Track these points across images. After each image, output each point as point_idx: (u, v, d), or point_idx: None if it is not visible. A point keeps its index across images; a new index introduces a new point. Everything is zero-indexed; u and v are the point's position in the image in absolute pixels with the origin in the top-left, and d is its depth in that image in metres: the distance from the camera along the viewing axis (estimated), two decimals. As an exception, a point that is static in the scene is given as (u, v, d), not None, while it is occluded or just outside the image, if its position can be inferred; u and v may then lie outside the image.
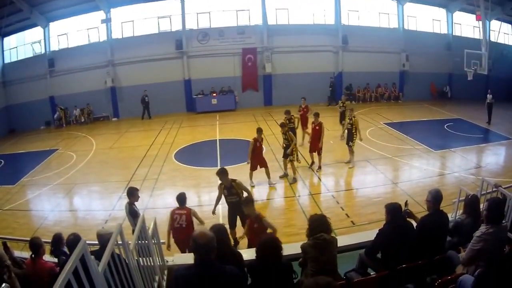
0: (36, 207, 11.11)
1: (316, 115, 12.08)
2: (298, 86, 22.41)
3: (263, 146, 11.44)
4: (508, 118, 18.20)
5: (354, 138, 12.25)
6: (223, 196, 7.65)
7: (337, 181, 12.06)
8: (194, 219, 6.80)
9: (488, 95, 18.00)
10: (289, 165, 11.53)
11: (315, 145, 11.96)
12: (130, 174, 12.81)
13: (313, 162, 12.39)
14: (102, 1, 20.92)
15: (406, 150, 14.14)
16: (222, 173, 7.45)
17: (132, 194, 6.92)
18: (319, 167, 12.22)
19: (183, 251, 6.52)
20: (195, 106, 22.62)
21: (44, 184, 12.60)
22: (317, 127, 11.92)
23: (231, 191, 7.45)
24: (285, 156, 11.48)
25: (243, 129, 17.42)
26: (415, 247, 4.57)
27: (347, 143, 12.42)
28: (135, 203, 6.89)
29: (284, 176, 11.73)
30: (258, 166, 11.07)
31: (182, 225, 6.63)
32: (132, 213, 6.71)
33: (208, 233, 3.09)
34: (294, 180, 11.41)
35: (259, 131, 10.99)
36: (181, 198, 6.81)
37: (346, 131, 12.62)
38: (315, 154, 12.21)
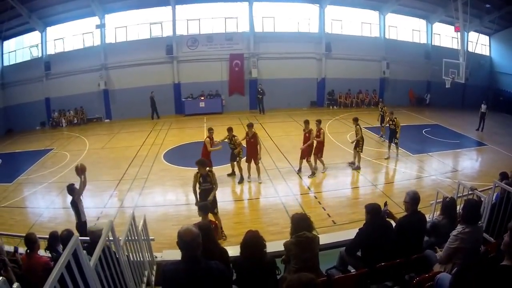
0: (32, 204, 11.34)
1: (250, 126, 11.69)
2: (283, 91, 23.41)
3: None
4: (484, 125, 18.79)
5: (397, 136, 13.76)
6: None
7: (319, 182, 12.25)
8: None
9: (482, 105, 18.72)
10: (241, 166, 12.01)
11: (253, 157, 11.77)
12: (121, 173, 13.13)
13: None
14: (97, 7, 21.28)
15: (385, 153, 14.46)
16: (201, 163, 8.18)
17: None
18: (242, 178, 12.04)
19: None
20: (183, 109, 23.12)
21: (39, 182, 12.89)
22: (251, 140, 11.62)
23: (206, 179, 8.08)
24: (234, 159, 11.95)
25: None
26: (393, 246, 4.66)
27: (391, 141, 14.00)
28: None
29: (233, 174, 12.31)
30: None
31: None
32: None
33: (194, 230, 3.14)
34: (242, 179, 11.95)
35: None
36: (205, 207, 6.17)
37: (387, 130, 14.41)
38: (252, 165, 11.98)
